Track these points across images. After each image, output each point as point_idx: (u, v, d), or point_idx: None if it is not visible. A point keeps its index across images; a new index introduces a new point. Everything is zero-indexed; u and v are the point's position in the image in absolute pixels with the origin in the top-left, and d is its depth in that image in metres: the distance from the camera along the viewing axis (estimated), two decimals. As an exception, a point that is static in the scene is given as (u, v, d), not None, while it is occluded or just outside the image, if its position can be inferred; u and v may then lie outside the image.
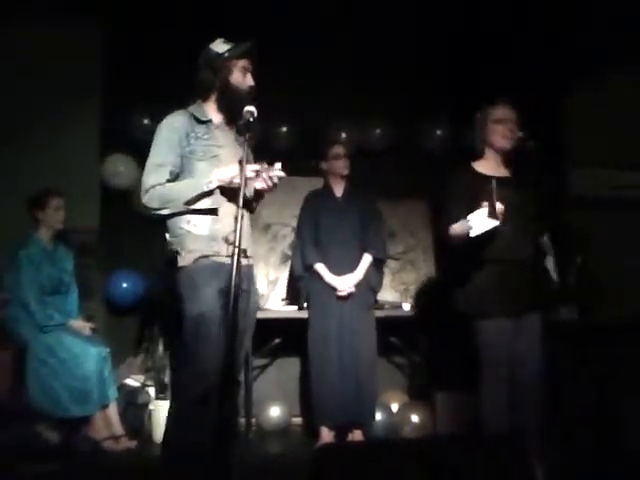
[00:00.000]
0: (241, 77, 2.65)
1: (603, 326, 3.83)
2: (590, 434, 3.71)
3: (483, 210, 2.79)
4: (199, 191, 2.50)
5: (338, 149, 4.13)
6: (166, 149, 2.56)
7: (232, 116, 2.66)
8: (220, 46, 2.65)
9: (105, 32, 4.61)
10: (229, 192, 2.53)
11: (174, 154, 2.56)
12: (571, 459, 3.15)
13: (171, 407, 2.57)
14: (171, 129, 2.58)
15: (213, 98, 2.67)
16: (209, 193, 2.51)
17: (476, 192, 2.90)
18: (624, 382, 3.98)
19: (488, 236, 2.84)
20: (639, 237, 4.45)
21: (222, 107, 2.67)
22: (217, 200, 2.53)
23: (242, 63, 2.65)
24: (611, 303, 4.06)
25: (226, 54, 2.62)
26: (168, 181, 2.54)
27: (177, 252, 2.54)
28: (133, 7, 4.47)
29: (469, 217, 2.84)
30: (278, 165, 2.54)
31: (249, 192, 2.61)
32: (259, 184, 2.57)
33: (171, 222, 2.57)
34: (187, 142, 2.56)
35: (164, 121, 2.62)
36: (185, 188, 2.52)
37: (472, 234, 2.82)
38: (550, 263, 3.12)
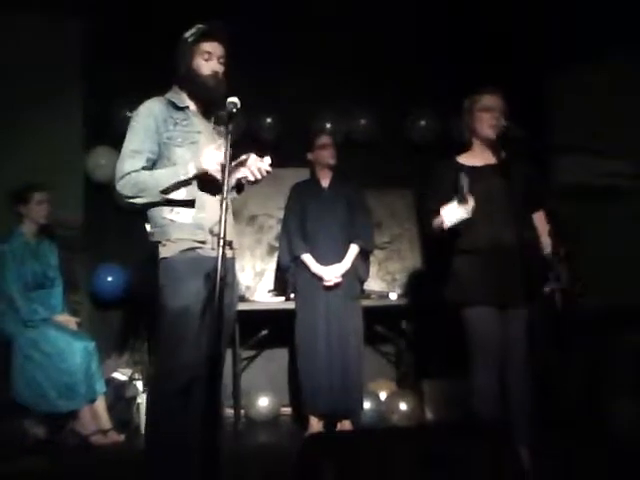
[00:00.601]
0: (202, 62, 2.56)
1: (587, 315, 3.87)
2: (576, 418, 3.76)
3: (454, 202, 2.82)
4: (176, 179, 2.43)
5: (324, 139, 4.12)
6: (143, 135, 2.49)
7: (204, 102, 2.61)
8: (189, 32, 2.57)
9: (87, 24, 4.55)
10: (210, 182, 2.48)
11: (151, 140, 2.49)
12: (558, 444, 3.18)
13: (152, 400, 2.55)
14: (148, 115, 2.51)
15: (183, 85, 2.61)
16: (186, 183, 2.45)
17: (458, 183, 2.91)
18: (608, 369, 4.03)
19: (463, 227, 2.87)
20: (623, 225, 4.48)
21: (190, 94, 2.61)
22: (192, 191, 2.47)
23: (205, 47, 2.56)
24: (595, 292, 4.10)
25: (189, 39, 2.56)
26: (144, 168, 2.47)
27: (160, 243, 2.49)
28: (116, 0, 4.43)
29: (442, 209, 2.87)
30: (268, 159, 2.51)
31: (230, 183, 2.58)
32: (242, 174, 2.54)
33: (153, 211, 2.51)
34: (165, 128, 2.50)
35: (141, 107, 2.55)
36: (161, 176, 2.45)
37: (445, 226, 2.86)
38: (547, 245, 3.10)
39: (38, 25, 4.46)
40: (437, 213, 2.92)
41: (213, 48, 2.57)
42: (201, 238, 2.48)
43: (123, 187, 2.46)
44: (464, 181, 2.79)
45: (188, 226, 2.48)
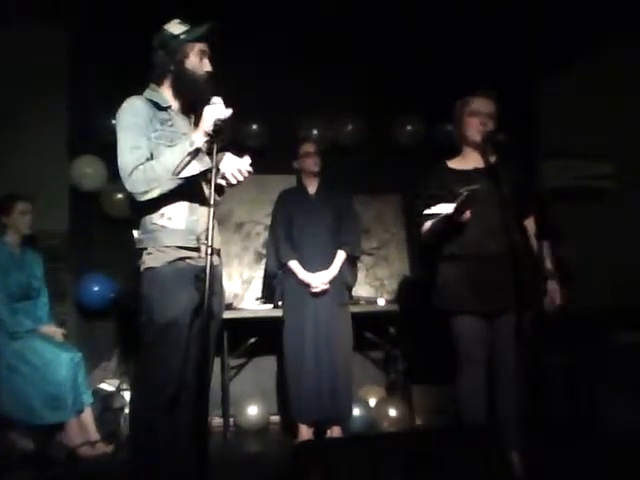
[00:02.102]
0: (197, 61, 2.50)
1: (576, 317, 3.89)
2: (565, 420, 3.77)
3: (446, 206, 2.83)
4: (184, 155, 2.31)
5: (309, 146, 4.13)
6: (137, 132, 2.39)
7: (188, 102, 2.55)
8: (176, 27, 2.51)
9: (71, 32, 4.54)
10: (194, 187, 2.44)
11: (145, 137, 2.39)
12: (551, 447, 3.19)
13: (135, 415, 2.48)
14: (134, 113, 2.42)
15: (168, 83, 2.53)
16: (195, 155, 2.34)
17: (446, 188, 2.93)
18: (594, 370, 4.06)
19: (452, 231, 2.88)
20: (609, 227, 4.52)
21: (177, 93, 2.54)
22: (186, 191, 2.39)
23: (199, 47, 2.50)
24: (580, 294, 4.12)
25: (182, 36, 2.48)
26: (147, 159, 2.37)
27: (145, 250, 2.40)
28: (100, 7, 4.41)
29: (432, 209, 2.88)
30: (247, 159, 2.47)
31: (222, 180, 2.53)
32: (220, 176, 2.48)
33: (142, 217, 2.41)
34: (153, 127, 2.41)
35: (125, 105, 2.45)
36: (168, 159, 2.33)
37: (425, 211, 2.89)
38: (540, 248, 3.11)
39: (22, 35, 4.43)
40: (427, 218, 2.93)
41: (206, 48, 2.54)
42: (194, 244, 2.41)
43: (135, 183, 2.34)
44: (464, 197, 2.75)
45: (180, 232, 2.41)
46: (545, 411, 3.73)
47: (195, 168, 2.35)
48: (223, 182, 2.53)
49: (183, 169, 2.33)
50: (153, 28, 2.56)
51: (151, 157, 2.39)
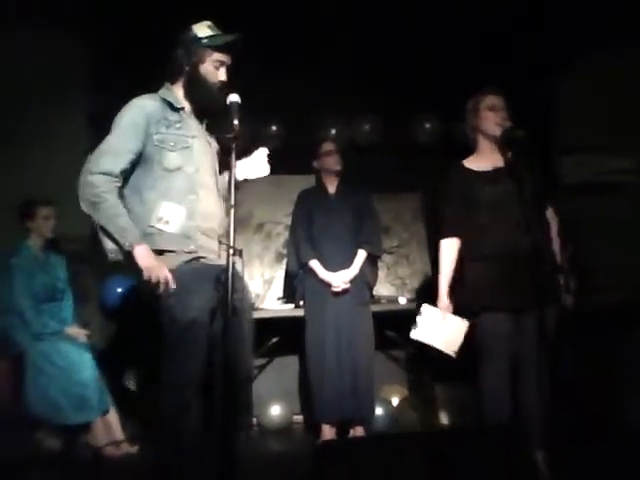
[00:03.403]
0: (212, 69, 2.48)
1: (595, 313, 3.84)
2: (590, 418, 3.73)
3: (436, 314, 2.96)
4: (119, 240, 2.30)
5: (328, 146, 4.13)
6: (131, 133, 2.37)
7: (199, 106, 2.54)
8: (202, 30, 2.48)
9: (90, 29, 4.55)
10: (207, 183, 2.45)
11: (139, 141, 2.37)
12: (573, 445, 3.15)
13: (159, 410, 2.50)
14: (140, 113, 2.39)
15: (180, 83, 2.52)
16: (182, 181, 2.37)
17: (469, 191, 2.95)
18: (620, 367, 4.00)
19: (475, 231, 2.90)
20: (628, 222, 4.45)
21: (188, 95, 2.52)
22: (184, 198, 2.39)
23: (218, 56, 2.48)
24: (601, 290, 4.07)
25: (204, 40, 2.46)
26: (123, 170, 2.36)
27: (159, 252, 2.38)
28: (118, 3, 4.44)
29: (422, 312, 3.02)
30: (263, 150, 2.54)
31: (240, 178, 2.56)
32: (244, 173, 2.53)
33: (138, 220, 2.37)
34: (157, 129, 2.39)
35: (134, 102, 2.44)
36: (117, 220, 2.31)
37: (412, 334, 3.01)
38: (555, 245, 3.08)
39: (40, 33, 4.47)
40: (453, 223, 2.98)
41: (226, 58, 2.51)
42: (191, 248, 2.39)
43: (87, 186, 2.33)
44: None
45: (176, 236, 2.38)
46: (566, 409, 3.69)
47: (109, 246, 2.34)
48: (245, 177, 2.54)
49: (109, 238, 2.33)
50: (174, 27, 2.55)
51: (150, 160, 2.38)
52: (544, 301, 2.84)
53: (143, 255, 2.29)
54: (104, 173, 2.33)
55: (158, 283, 2.27)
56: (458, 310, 3.00)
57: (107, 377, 3.88)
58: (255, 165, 2.57)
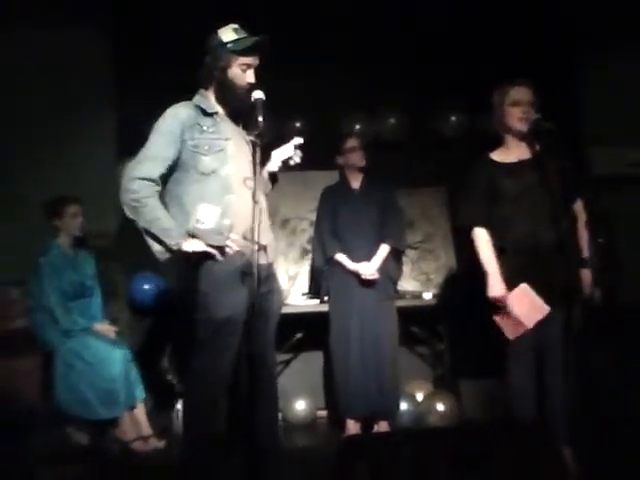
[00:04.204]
0: (239, 72, 2.51)
1: (627, 307, 3.78)
2: (619, 417, 3.67)
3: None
4: (164, 240, 2.38)
5: (353, 142, 4.12)
6: (167, 141, 2.45)
7: (232, 108, 2.58)
8: (228, 34, 2.51)
9: (119, 34, 4.62)
10: (244, 183, 2.48)
11: (174, 147, 2.44)
12: (601, 442, 3.12)
13: (188, 406, 2.54)
14: (175, 120, 2.47)
15: (212, 88, 2.57)
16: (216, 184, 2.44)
17: (494, 183, 2.93)
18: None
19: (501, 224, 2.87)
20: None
21: (220, 99, 2.57)
22: (217, 198, 2.44)
23: (244, 60, 2.51)
24: (633, 284, 4.01)
25: (229, 45, 2.48)
26: (161, 175, 2.45)
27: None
28: (144, 8, 4.48)
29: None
30: (296, 140, 2.57)
31: (274, 167, 2.62)
32: (287, 155, 2.57)
33: (178, 224, 2.44)
34: (191, 135, 2.45)
35: (169, 111, 2.51)
36: (159, 222, 2.39)
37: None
38: (582, 238, 3.03)
39: (71, 37, 4.53)
40: (479, 217, 2.95)
41: (253, 60, 2.54)
42: (218, 243, 2.41)
43: (128, 192, 2.42)
44: None
45: (210, 232, 2.41)
46: (595, 407, 3.64)
47: (156, 247, 2.42)
48: (291, 162, 2.58)
49: (152, 239, 2.41)
50: (203, 31, 2.58)
51: (186, 165, 2.45)
52: (569, 296, 2.80)
53: (193, 244, 2.37)
54: (143, 178, 2.42)
55: (214, 256, 2.37)
56: (482, 304, 2.97)
57: (144, 371, 3.94)
58: (289, 154, 2.59)
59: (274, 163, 2.61)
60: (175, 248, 2.37)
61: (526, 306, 2.81)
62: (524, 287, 2.82)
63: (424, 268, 4.95)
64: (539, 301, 2.80)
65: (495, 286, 2.88)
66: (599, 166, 4.73)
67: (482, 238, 2.97)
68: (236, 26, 2.54)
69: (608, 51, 4.63)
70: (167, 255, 2.41)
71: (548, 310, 2.79)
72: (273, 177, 2.71)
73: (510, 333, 2.83)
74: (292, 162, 2.57)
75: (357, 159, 4.09)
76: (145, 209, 2.40)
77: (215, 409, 2.44)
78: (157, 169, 2.44)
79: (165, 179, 2.49)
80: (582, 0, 4.43)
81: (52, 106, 4.51)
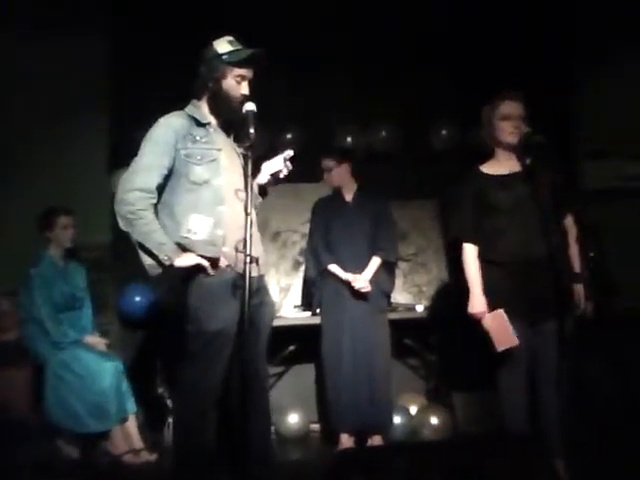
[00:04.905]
0: (234, 84, 2.52)
1: (618, 320, 3.80)
2: (612, 428, 3.68)
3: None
4: (156, 253, 2.38)
5: (327, 162, 4.11)
6: (161, 150, 2.44)
7: (225, 119, 2.60)
8: (223, 45, 2.53)
9: (112, 44, 4.62)
10: (235, 194, 2.49)
11: (169, 157, 2.44)
12: (594, 454, 3.11)
13: (178, 419, 2.54)
14: (169, 129, 2.47)
15: (205, 99, 2.58)
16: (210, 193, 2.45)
17: (485, 195, 2.93)
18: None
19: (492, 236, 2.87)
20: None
21: (213, 110, 2.58)
22: (210, 209, 2.45)
23: (239, 71, 2.52)
24: (624, 296, 4.03)
25: (224, 57, 2.50)
26: (158, 186, 2.44)
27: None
28: (140, 18, 4.50)
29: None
30: (288, 152, 2.57)
31: (264, 179, 2.63)
32: (276, 168, 2.58)
33: (169, 233, 2.43)
34: (184, 145, 2.45)
35: (161, 120, 2.51)
36: (153, 235, 2.39)
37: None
38: (573, 252, 3.04)
39: (62, 49, 4.53)
40: (468, 231, 2.95)
41: (247, 72, 2.55)
42: (211, 254, 2.42)
43: (124, 203, 2.41)
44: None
45: (201, 243, 2.42)
46: (590, 418, 3.64)
47: (148, 261, 2.42)
48: (280, 175, 2.60)
49: (144, 252, 2.41)
50: (196, 42, 2.59)
51: (178, 174, 2.45)
52: (560, 309, 2.81)
53: (185, 259, 2.37)
54: (139, 190, 2.41)
55: (205, 268, 2.38)
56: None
57: (136, 385, 3.91)
58: (279, 167, 2.60)
59: (263, 176, 2.62)
60: (167, 263, 2.37)
61: (498, 330, 2.83)
62: (500, 312, 2.84)
63: (416, 280, 4.95)
64: (510, 331, 2.80)
65: (476, 304, 2.91)
66: (590, 179, 4.77)
67: (470, 255, 2.98)
68: (231, 38, 2.57)
69: (602, 65, 4.68)
70: (159, 270, 2.40)
71: (517, 343, 2.79)
72: (263, 190, 2.72)
73: (499, 345, 2.83)
74: (281, 175, 2.58)
75: (334, 178, 4.09)
76: (140, 222, 2.39)
77: (204, 420, 2.43)
78: (153, 179, 2.43)
79: (161, 189, 2.48)
80: (577, 13, 4.47)
81: (44, 116, 4.50)
